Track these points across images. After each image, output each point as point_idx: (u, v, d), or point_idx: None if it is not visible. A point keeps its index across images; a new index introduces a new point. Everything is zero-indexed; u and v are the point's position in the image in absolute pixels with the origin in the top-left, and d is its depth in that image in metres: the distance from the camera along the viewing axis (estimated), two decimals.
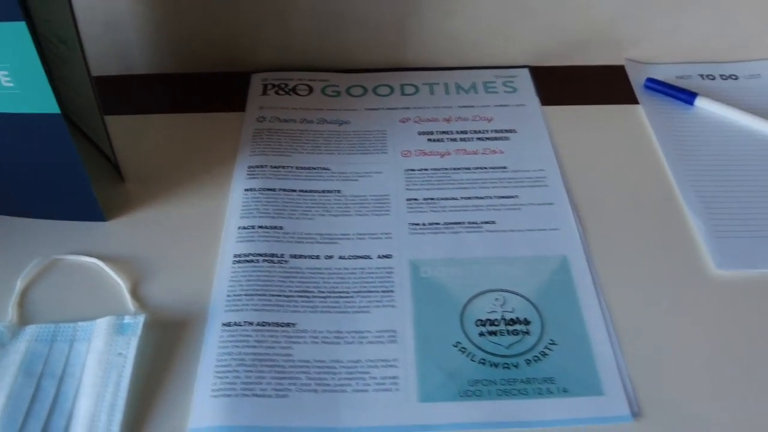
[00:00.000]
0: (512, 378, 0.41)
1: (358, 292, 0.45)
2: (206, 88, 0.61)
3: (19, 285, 0.46)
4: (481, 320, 0.44)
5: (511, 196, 0.51)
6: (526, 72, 0.62)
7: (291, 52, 0.61)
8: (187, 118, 0.58)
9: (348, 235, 0.48)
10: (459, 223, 0.49)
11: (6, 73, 0.42)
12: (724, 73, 0.62)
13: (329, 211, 0.50)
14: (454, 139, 0.55)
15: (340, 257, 0.47)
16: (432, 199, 0.51)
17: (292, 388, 0.40)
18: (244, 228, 0.48)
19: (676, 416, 0.40)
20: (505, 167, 0.53)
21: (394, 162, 0.54)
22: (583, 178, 0.53)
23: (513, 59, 0.62)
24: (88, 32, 0.58)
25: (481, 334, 0.43)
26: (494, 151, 0.54)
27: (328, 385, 0.41)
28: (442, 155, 0.54)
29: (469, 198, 0.51)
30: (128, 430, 0.39)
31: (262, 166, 0.52)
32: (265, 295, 0.44)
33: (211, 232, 0.49)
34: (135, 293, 0.46)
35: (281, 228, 0.48)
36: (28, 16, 0.49)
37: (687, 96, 0.59)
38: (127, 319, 0.43)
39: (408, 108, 0.58)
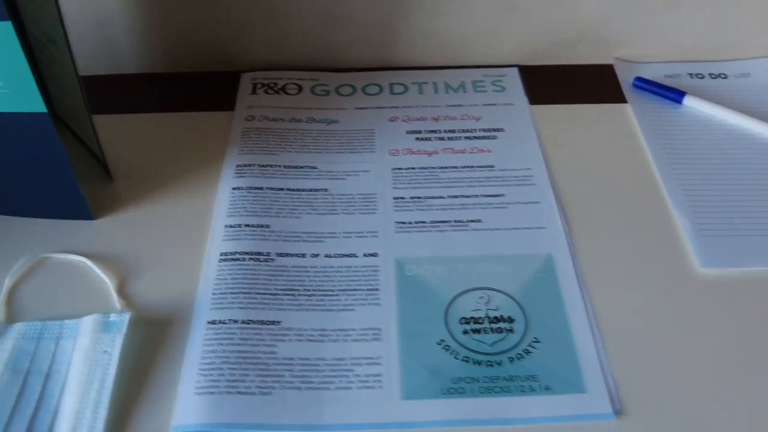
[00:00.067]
0: (495, 375, 0.41)
1: (344, 290, 0.45)
2: (196, 88, 0.61)
3: (7, 283, 0.46)
4: (465, 318, 0.44)
5: (498, 195, 0.51)
6: (515, 71, 0.62)
7: (281, 52, 0.61)
8: (177, 118, 0.58)
9: (334, 233, 0.49)
10: (445, 221, 0.49)
11: None
12: (714, 72, 0.63)
13: (316, 210, 0.50)
14: (442, 138, 0.56)
15: (327, 256, 0.47)
16: (419, 197, 0.51)
17: (275, 385, 0.40)
18: (231, 226, 0.48)
19: (659, 414, 0.40)
20: (492, 166, 0.53)
21: (381, 161, 0.54)
22: (569, 176, 0.53)
23: (503, 58, 0.63)
24: (79, 31, 0.59)
25: (465, 332, 0.43)
26: (482, 150, 0.55)
27: (312, 382, 0.41)
28: (430, 154, 0.54)
29: (455, 197, 0.51)
30: (113, 427, 0.39)
31: (250, 165, 0.53)
32: (250, 293, 0.45)
33: (198, 231, 0.49)
34: (121, 291, 0.46)
35: (268, 226, 0.49)
36: (15, 15, 0.49)
37: (675, 95, 0.59)
38: (113, 317, 0.43)
39: (397, 107, 0.58)
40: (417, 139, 0.56)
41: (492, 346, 0.43)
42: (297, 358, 0.42)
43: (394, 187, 0.52)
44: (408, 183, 0.52)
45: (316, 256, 0.47)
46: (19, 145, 0.46)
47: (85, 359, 0.41)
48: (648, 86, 0.59)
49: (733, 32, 0.62)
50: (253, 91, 0.59)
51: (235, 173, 0.52)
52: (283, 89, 0.60)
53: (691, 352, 0.43)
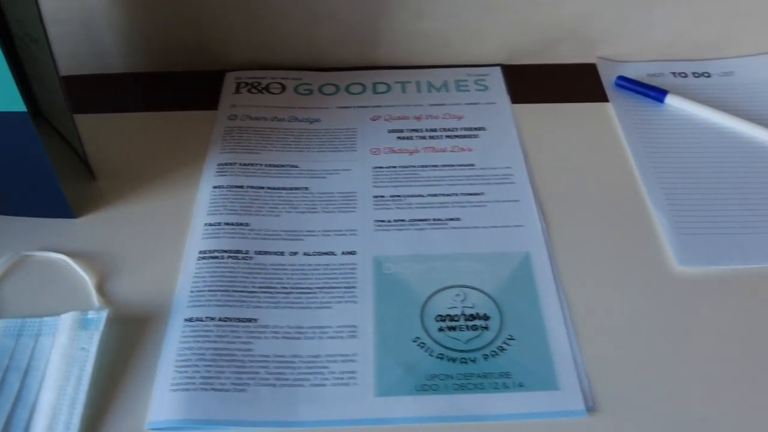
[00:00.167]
0: (469, 373, 0.42)
1: (321, 288, 0.46)
2: (180, 87, 0.61)
3: None
4: (441, 316, 0.44)
5: (477, 194, 0.51)
6: (498, 70, 0.62)
7: (265, 51, 0.62)
8: (161, 117, 0.58)
9: (313, 231, 0.49)
10: (424, 220, 0.50)
11: None
12: (697, 71, 0.63)
13: (296, 208, 0.50)
14: (424, 137, 0.56)
15: (305, 254, 0.47)
16: (398, 196, 0.51)
17: (250, 382, 0.41)
18: (211, 225, 0.49)
19: (632, 412, 0.40)
20: (472, 165, 0.54)
21: (362, 159, 0.54)
22: (549, 175, 0.53)
23: (486, 58, 0.63)
24: (63, 31, 0.59)
25: (441, 330, 0.44)
26: (463, 149, 0.55)
27: (287, 379, 0.41)
28: (411, 153, 0.55)
29: (435, 195, 0.51)
30: (89, 423, 0.40)
31: (231, 164, 0.53)
32: (228, 290, 0.45)
33: (178, 229, 0.49)
34: (101, 289, 0.46)
35: (247, 225, 0.49)
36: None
37: (657, 94, 0.59)
38: (91, 315, 0.44)
39: (379, 106, 0.59)
40: (399, 138, 0.56)
41: (467, 343, 0.43)
42: (272, 356, 0.42)
43: (374, 186, 0.52)
44: (388, 181, 0.52)
45: (295, 254, 0.47)
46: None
47: (63, 356, 0.42)
48: (630, 85, 0.60)
49: (717, 31, 0.62)
50: (237, 91, 0.60)
51: (217, 172, 0.52)
52: (267, 88, 0.60)
53: (665, 349, 0.43)
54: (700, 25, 0.62)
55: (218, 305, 0.44)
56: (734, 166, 0.55)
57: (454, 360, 0.42)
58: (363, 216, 0.50)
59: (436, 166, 0.54)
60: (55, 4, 0.58)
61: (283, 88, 0.60)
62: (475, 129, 0.57)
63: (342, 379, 0.41)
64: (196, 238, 0.48)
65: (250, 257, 0.47)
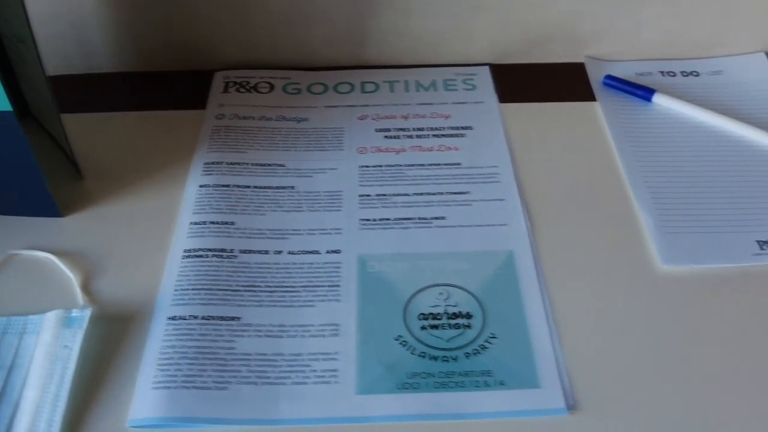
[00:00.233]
0: (450, 371, 0.42)
1: (305, 286, 0.46)
2: (169, 87, 0.61)
3: None
4: (423, 314, 0.44)
5: (463, 192, 0.52)
6: (486, 70, 0.62)
7: (253, 51, 0.62)
8: (149, 116, 0.58)
9: (298, 230, 0.49)
10: (409, 218, 0.50)
11: None
12: (685, 69, 0.63)
13: (281, 207, 0.50)
14: (411, 136, 0.56)
15: (290, 252, 0.48)
16: (384, 195, 0.51)
17: (232, 380, 0.41)
18: (196, 223, 0.49)
19: (612, 410, 0.40)
20: (459, 164, 0.54)
21: (349, 159, 0.54)
22: (535, 174, 0.53)
23: (475, 57, 0.63)
24: (53, 31, 0.59)
25: (423, 328, 0.44)
26: (449, 148, 0.55)
27: (269, 377, 0.41)
28: (398, 152, 0.55)
29: (420, 194, 0.51)
30: (71, 421, 0.40)
31: (218, 163, 0.53)
32: (212, 289, 0.45)
33: (164, 228, 0.49)
34: (86, 287, 0.46)
35: (233, 223, 0.49)
36: None
37: (645, 93, 0.59)
38: (75, 313, 0.44)
39: (367, 105, 0.59)
40: (386, 137, 0.56)
41: (449, 341, 0.43)
42: (255, 354, 0.42)
43: (360, 185, 0.52)
44: (374, 180, 0.52)
45: (279, 252, 0.48)
46: None
47: (47, 354, 0.42)
48: (618, 84, 0.60)
49: (706, 30, 0.62)
50: (225, 90, 0.60)
51: (203, 171, 0.53)
52: (255, 88, 0.60)
53: (647, 348, 0.43)
54: (688, 24, 0.62)
55: (202, 304, 0.44)
56: (721, 165, 0.55)
57: (435, 358, 0.42)
58: (348, 215, 0.50)
59: (423, 165, 0.54)
60: (45, 4, 0.58)
61: (272, 87, 0.60)
62: (462, 128, 0.57)
63: (323, 377, 0.41)
64: (182, 236, 0.48)
65: (235, 256, 0.47)
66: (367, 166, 0.54)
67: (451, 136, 0.56)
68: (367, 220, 0.50)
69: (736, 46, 0.64)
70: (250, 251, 0.47)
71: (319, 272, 0.47)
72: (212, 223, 0.49)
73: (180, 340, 0.42)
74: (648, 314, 0.45)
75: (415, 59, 0.63)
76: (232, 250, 0.47)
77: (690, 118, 0.58)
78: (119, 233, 0.49)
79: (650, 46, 0.63)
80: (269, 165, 0.53)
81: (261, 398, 0.40)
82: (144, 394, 0.40)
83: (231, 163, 0.53)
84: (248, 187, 0.52)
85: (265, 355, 0.42)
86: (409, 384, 0.41)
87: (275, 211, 0.50)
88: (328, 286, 0.46)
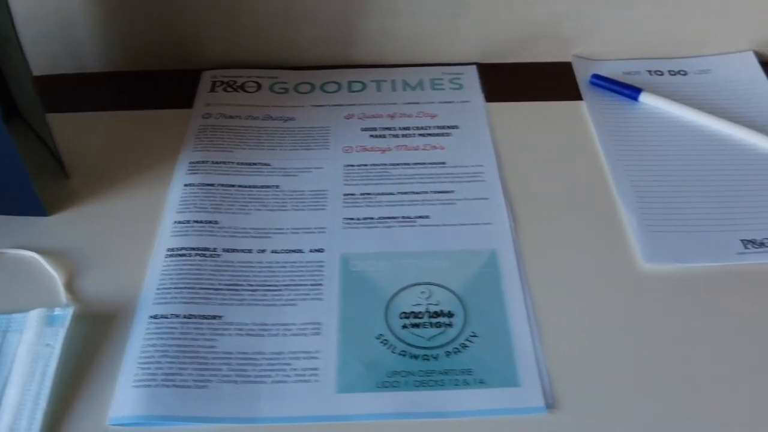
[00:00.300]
0: (431, 369, 0.42)
1: (288, 285, 0.46)
2: (157, 86, 0.61)
3: None
4: (405, 313, 0.45)
5: (447, 191, 0.52)
6: (473, 69, 0.62)
7: (241, 50, 0.62)
8: (137, 116, 0.58)
9: (282, 229, 0.49)
10: (393, 217, 0.50)
11: None
12: (673, 68, 0.63)
13: (266, 206, 0.50)
14: (396, 136, 0.56)
15: (273, 251, 0.48)
16: (369, 194, 0.51)
17: (212, 379, 0.41)
18: (180, 222, 0.49)
19: (592, 409, 0.40)
20: (444, 163, 0.54)
21: (334, 158, 0.54)
22: (520, 173, 0.53)
23: (463, 56, 0.63)
24: (41, 31, 0.60)
25: (404, 327, 0.44)
26: (435, 147, 0.55)
27: (249, 376, 0.41)
28: (383, 151, 0.55)
29: (405, 193, 0.52)
30: (52, 419, 0.40)
31: (203, 162, 0.53)
32: (194, 288, 0.45)
33: (148, 227, 0.50)
34: (70, 286, 0.47)
35: (217, 222, 0.49)
36: None
37: (631, 92, 0.59)
38: (57, 311, 0.44)
39: (354, 104, 0.59)
40: (371, 136, 0.56)
41: (429, 340, 0.43)
42: (235, 352, 0.42)
43: (345, 184, 0.52)
44: (359, 180, 0.53)
45: (263, 251, 0.48)
46: None
47: (29, 352, 0.42)
48: (604, 83, 0.60)
49: (694, 29, 0.62)
50: (212, 89, 0.60)
51: (188, 170, 0.53)
52: (242, 87, 0.60)
53: (628, 347, 0.43)
54: (676, 23, 0.62)
55: (183, 302, 0.44)
56: (707, 163, 0.54)
57: (416, 357, 0.43)
58: (332, 214, 0.50)
59: (408, 164, 0.54)
60: (32, 3, 0.58)
61: (259, 86, 0.60)
62: (448, 127, 0.57)
63: (303, 375, 0.41)
64: (165, 235, 0.48)
65: (218, 255, 0.47)
66: (352, 165, 0.54)
67: (437, 135, 0.56)
68: (351, 219, 0.50)
69: (724, 45, 0.63)
70: (233, 250, 0.48)
71: (302, 271, 0.47)
72: (196, 222, 0.49)
73: (161, 338, 0.43)
74: (630, 313, 0.45)
75: (403, 59, 0.63)
76: (215, 249, 0.47)
77: (677, 117, 0.58)
78: (104, 232, 0.50)
79: (638, 46, 0.63)
80: (254, 164, 0.53)
81: (241, 397, 0.40)
82: (124, 392, 0.41)
83: (216, 162, 0.53)
84: (233, 186, 0.52)
85: (246, 353, 0.42)
86: (389, 382, 0.41)
87: (259, 210, 0.50)
88: (311, 284, 0.46)
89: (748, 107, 0.59)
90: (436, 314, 0.45)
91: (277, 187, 0.52)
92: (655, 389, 0.41)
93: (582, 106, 0.59)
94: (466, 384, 0.41)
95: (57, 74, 0.61)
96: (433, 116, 0.58)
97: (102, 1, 0.59)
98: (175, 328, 0.43)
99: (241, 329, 0.43)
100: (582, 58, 0.63)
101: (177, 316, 0.44)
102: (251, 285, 0.46)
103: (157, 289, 0.45)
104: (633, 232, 0.49)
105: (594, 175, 0.53)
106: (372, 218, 0.50)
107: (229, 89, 0.60)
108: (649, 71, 0.62)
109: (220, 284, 0.46)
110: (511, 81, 0.61)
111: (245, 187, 0.52)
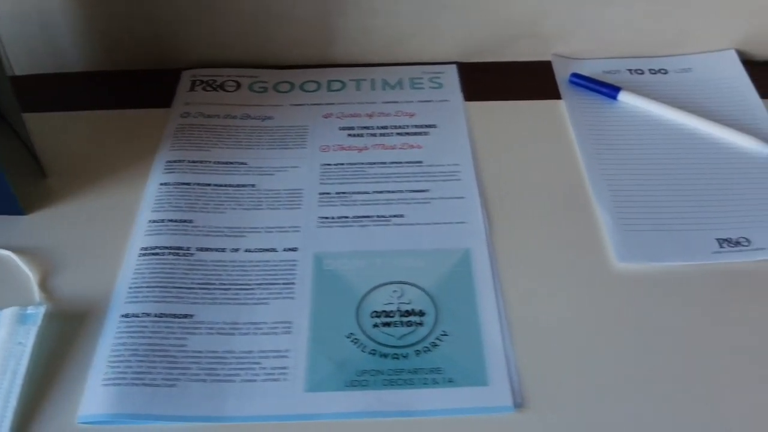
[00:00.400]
0: (400, 368, 0.42)
1: (260, 284, 0.46)
2: (137, 85, 0.61)
3: None
4: (377, 312, 0.45)
5: (423, 191, 0.52)
6: (453, 68, 0.62)
7: (222, 50, 0.62)
8: (116, 115, 0.59)
9: (257, 228, 0.49)
10: (368, 216, 0.50)
11: None
12: (654, 67, 0.63)
13: (241, 205, 0.51)
14: (374, 135, 0.56)
15: (246, 250, 0.48)
16: (344, 193, 0.52)
17: (181, 377, 0.41)
18: (154, 221, 0.49)
19: (560, 408, 0.40)
20: (420, 162, 0.54)
21: (311, 157, 0.54)
22: (496, 172, 0.53)
23: (443, 56, 0.63)
24: (22, 31, 0.60)
25: (375, 326, 0.44)
26: (412, 146, 0.55)
27: (218, 375, 0.41)
28: (360, 150, 0.55)
29: (380, 192, 0.52)
30: (22, 417, 0.40)
31: (180, 161, 0.53)
32: (166, 287, 0.45)
33: (123, 226, 0.50)
34: (44, 285, 0.47)
35: (191, 221, 0.49)
36: None
37: (610, 90, 0.59)
38: (30, 310, 0.44)
39: (332, 104, 0.59)
40: (349, 135, 0.56)
41: (400, 339, 0.43)
42: (205, 351, 0.42)
43: (321, 183, 0.52)
44: (335, 179, 0.53)
45: (236, 250, 0.48)
46: None
47: (1, 350, 0.42)
48: (583, 82, 0.60)
49: (675, 27, 0.62)
50: (192, 88, 0.60)
51: (165, 169, 0.53)
52: (222, 86, 0.60)
53: (599, 346, 0.43)
54: (657, 21, 0.62)
55: (155, 301, 0.44)
56: (685, 162, 0.54)
57: (385, 356, 0.43)
58: (307, 213, 0.50)
59: (384, 163, 0.54)
60: (14, 3, 0.58)
61: (238, 85, 0.60)
62: (426, 126, 0.57)
63: (273, 374, 0.41)
64: (139, 234, 0.48)
65: (191, 254, 0.47)
66: (329, 165, 0.54)
67: (415, 134, 0.56)
68: (326, 218, 0.50)
69: (706, 44, 0.63)
70: (207, 249, 0.48)
71: (275, 270, 0.47)
72: (170, 221, 0.49)
73: (132, 337, 0.43)
74: (602, 313, 0.45)
75: (383, 58, 0.63)
76: (188, 248, 0.48)
77: (656, 116, 0.58)
78: (80, 231, 0.50)
79: (618, 45, 0.63)
80: (231, 163, 0.54)
81: (209, 395, 0.41)
82: (94, 390, 0.41)
83: (193, 162, 0.53)
84: (209, 185, 0.52)
85: (215, 352, 0.42)
86: (358, 381, 0.41)
87: (234, 209, 0.50)
88: (283, 283, 0.46)
89: (729, 106, 0.59)
90: (408, 313, 0.45)
91: (253, 186, 0.52)
92: (624, 389, 0.41)
93: (561, 105, 0.59)
94: (434, 383, 0.41)
95: (38, 74, 0.62)
96: (411, 115, 0.58)
97: (82, 2, 0.59)
98: (146, 326, 0.43)
99: (211, 328, 0.44)
100: (562, 57, 0.63)
101: (148, 315, 0.44)
102: (223, 284, 0.46)
103: (130, 288, 0.45)
104: (607, 231, 0.49)
105: (570, 174, 0.53)
106: (347, 217, 0.50)
107: (208, 88, 0.60)
108: (630, 70, 0.62)
109: (192, 283, 0.46)
110: (491, 80, 0.61)
111: (221, 186, 0.52)
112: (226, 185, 0.52)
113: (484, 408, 0.40)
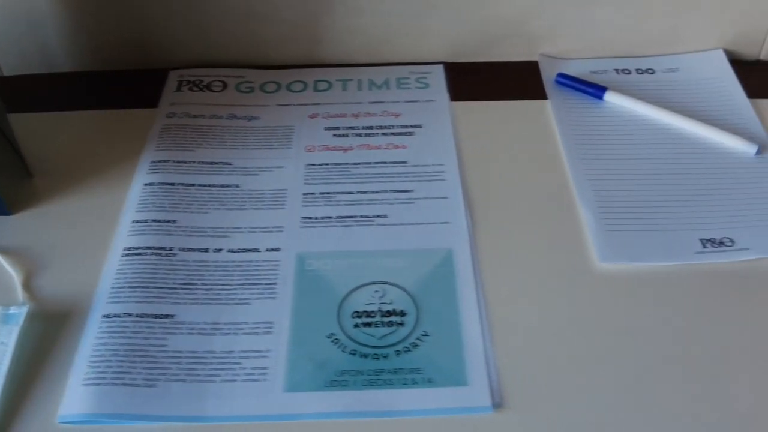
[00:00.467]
0: (380, 368, 0.42)
1: (242, 284, 0.46)
2: (125, 86, 0.62)
3: None
4: (358, 312, 0.45)
5: (407, 191, 0.52)
6: (440, 68, 0.62)
7: (209, 50, 0.62)
8: (103, 115, 0.59)
9: (240, 228, 0.49)
10: (351, 216, 0.50)
11: None
12: (641, 67, 0.62)
13: (225, 205, 0.51)
14: (359, 135, 0.56)
15: (229, 250, 0.48)
16: (328, 193, 0.52)
17: (161, 378, 0.41)
18: (138, 222, 0.49)
19: (539, 409, 0.40)
20: (405, 162, 0.54)
21: (297, 157, 0.54)
22: (481, 172, 0.53)
23: (431, 56, 0.63)
24: (11, 31, 0.60)
25: (356, 326, 0.44)
26: (397, 146, 0.55)
27: (198, 375, 0.42)
28: (345, 150, 0.55)
29: (364, 192, 0.52)
30: (3, 415, 0.40)
31: (164, 161, 0.54)
32: (148, 287, 0.45)
33: (107, 226, 0.50)
34: (27, 285, 0.47)
35: (174, 222, 0.49)
36: None
37: (596, 90, 0.59)
38: (12, 310, 0.44)
39: (318, 104, 0.59)
40: (335, 135, 0.56)
41: (380, 339, 0.43)
42: (186, 352, 0.43)
43: (305, 183, 0.52)
44: (320, 179, 0.53)
45: (219, 251, 0.48)
46: None
47: None
48: (569, 82, 0.60)
49: (662, 27, 0.62)
50: (178, 89, 0.60)
51: (149, 169, 0.53)
52: (208, 86, 0.60)
53: (579, 346, 0.43)
54: (645, 21, 0.62)
55: (137, 302, 0.45)
56: (669, 162, 0.54)
57: (366, 356, 0.43)
58: (291, 213, 0.50)
59: (369, 163, 0.54)
60: (3, 4, 0.58)
61: (225, 86, 0.61)
62: (412, 126, 0.57)
63: (252, 375, 0.42)
64: (123, 235, 0.49)
65: (174, 254, 0.47)
66: (313, 165, 0.54)
67: (400, 134, 0.56)
68: (309, 218, 0.50)
69: (693, 43, 0.63)
70: (189, 249, 0.48)
71: (258, 270, 0.47)
72: (154, 221, 0.49)
73: (113, 337, 0.43)
74: (582, 313, 0.45)
75: (370, 58, 0.63)
76: (171, 249, 0.48)
77: (641, 116, 0.58)
78: (64, 231, 0.50)
79: (606, 44, 0.63)
80: (216, 163, 0.54)
81: (189, 396, 0.41)
82: (74, 390, 0.41)
83: (178, 162, 0.54)
84: (193, 185, 0.52)
85: (196, 352, 0.43)
86: (338, 382, 0.41)
87: (218, 209, 0.50)
88: (265, 284, 0.46)
89: (716, 106, 0.59)
90: (389, 313, 0.45)
91: (237, 186, 0.52)
92: (604, 389, 0.41)
93: (547, 106, 0.59)
94: (414, 383, 0.41)
95: (28, 74, 0.62)
96: (397, 115, 0.58)
97: (71, 2, 0.59)
98: (127, 327, 0.43)
99: (192, 328, 0.44)
100: (549, 57, 0.63)
101: (130, 315, 0.44)
102: (205, 284, 0.46)
103: (112, 288, 0.45)
104: (590, 231, 0.49)
105: (555, 174, 0.53)
106: (330, 217, 0.50)
107: (194, 89, 0.60)
108: (617, 70, 0.62)
109: (174, 283, 0.46)
110: (478, 80, 0.61)
111: (205, 186, 0.52)
112: (210, 185, 0.52)
113: (463, 408, 0.40)
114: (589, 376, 0.42)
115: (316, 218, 0.50)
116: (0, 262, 0.48)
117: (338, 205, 0.51)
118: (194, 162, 0.54)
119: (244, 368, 0.42)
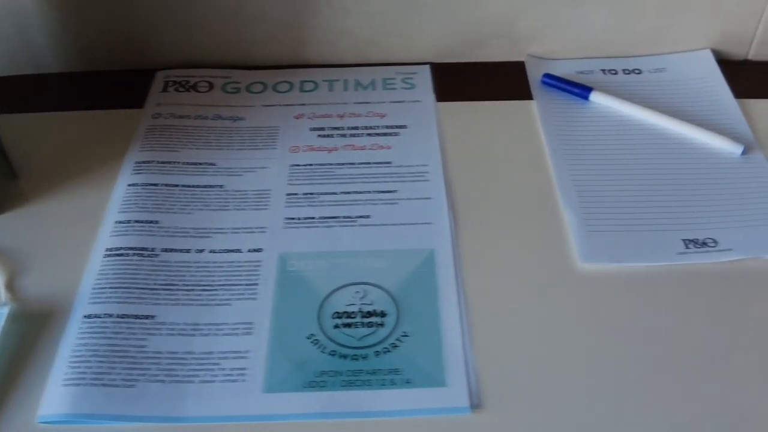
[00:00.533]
0: (359, 369, 0.42)
1: (223, 285, 0.46)
2: (111, 86, 0.62)
3: None
4: (338, 313, 0.45)
5: (390, 191, 0.52)
6: (427, 69, 0.62)
7: (196, 50, 0.62)
8: (89, 116, 0.59)
9: (223, 229, 0.49)
10: (334, 217, 0.50)
11: None
12: (627, 67, 0.62)
13: (208, 206, 0.51)
14: (344, 135, 0.56)
15: (211, 251, 0.48)
16: (312, 194, 0.52)
17: (140, 378, 0.41)
18: (121, 222, 0.49)
19: (517, 410, 0.40)
20: (389, 162, 0.54)
21: (281, 157, 0.54)
22: (465, 173, 0.53)
23: (417, 56, 0.63)
24: None
25: (336, 327, 0.44)
26: (382, 147, 0.55)
27: (177, 376, 0.42)
28: (330, 151, 0.55)
29: (348, 193, 0.52)
30: None
31: (148, 162, 0.54)
32: (129, 288, 0.45)
33: (91, 227, 0.50)
34: (10, 285, 0.47)
35: (157, 222, 0.49)
36: None
37: (582, 91, 0.59)
38: None
39: (304, 104, 0.59)
40: (319, 136, 0.56)
41: (360, 340, 0.44)
42: (165, 352, 0.43)
43: (289, 184, 0.52)
44: (304, 179, 0.53)
45: (201, 251, 0.48)
46: None
47: None
48: (555, 82, 0.60)
49: (649, 27, 0.62)
50: (164, 89, 0.60)
51: (133, 170, 0.53)
52: (194, 87, 0.61)
53: (560, 347, 0.43)
54: (631, 21, 0.62)
55: (118, 302, 0.45)
56: (653, 162, 0.54)
57: (345, 357, 0.43)
58: (274, 213, 0.50)
59: (353, 163, 0.54)
60: None
61: (211, 86, 0.61)
62: (397, 127, 0.57)
63: (231, 375, 0.42)
64: (105, 235, 0.49)
65: (156, 255, 0.47)
66: (298, 165, 0.54)
67: (385, 134, 0.56)
68: (292, 218, 0.50)
69: (680, 43, 0.63)
70: (172, 250, 0.48)
71: (239, 271, 0.47)
72: (137, 222, 0.49)
73: (93, 338, 0.43)
74: (563, 314, 0.45)
75: (357, 59, 0.63)
76: (153, 249, 0.48)
77: (627, 117, 0.58)
78: (48, 232, 0.50)
79: (592, 44, 0.63)
80: (200, 164, 0.54)
81: (167, 396, 0.41)
82: (54, 390, 0.41)
83: (162, 162, 0.54)
84: (176, 186, 0.52)
85: (175, 353, 0.43)
86: (316, 382, 0.41)
87: (201, 210, 0.50)
88: (246, 284, 0.46)
89: (703, 106, 0.59)
90: (369, 314, 0.45)
91: (221, 187, 0.52)
92: (584, 391, 0.41)
93: (533, 106, 0.59)
94: (392, 384, 0.41)
95: (15, 75, 0.62)
96: (382, 116, 0.58)
97: (57, 4, 0.59)
98: (108, 327, 0.43)
99: (172, 329, 0.44)
100: (536, 58, 0.63)
101: (110, 315, 0.44)
102: (187, 285, 0.46)
103: (93, 288, 0.46)
104: (572, 231, 0.49)
105: (538, 175, 0.53)
106: (313, 218, 0.50)
107: (181, 89, 0.60)
108: (603, 70, 0.62)
109: (155, 284, 0.46)
110: (464, 81, 0.61)
111: (189, 186, 0.52)
112: (193, 186, 0.52)
113: (441, 409, 0.40)
114: (569, 378, 0.42)
115: (299, 219, 0.50)
116: None
117: (321, 205, 0.51)
118: (178, 162, 0.54)
119: (223, 369, 0.42)
